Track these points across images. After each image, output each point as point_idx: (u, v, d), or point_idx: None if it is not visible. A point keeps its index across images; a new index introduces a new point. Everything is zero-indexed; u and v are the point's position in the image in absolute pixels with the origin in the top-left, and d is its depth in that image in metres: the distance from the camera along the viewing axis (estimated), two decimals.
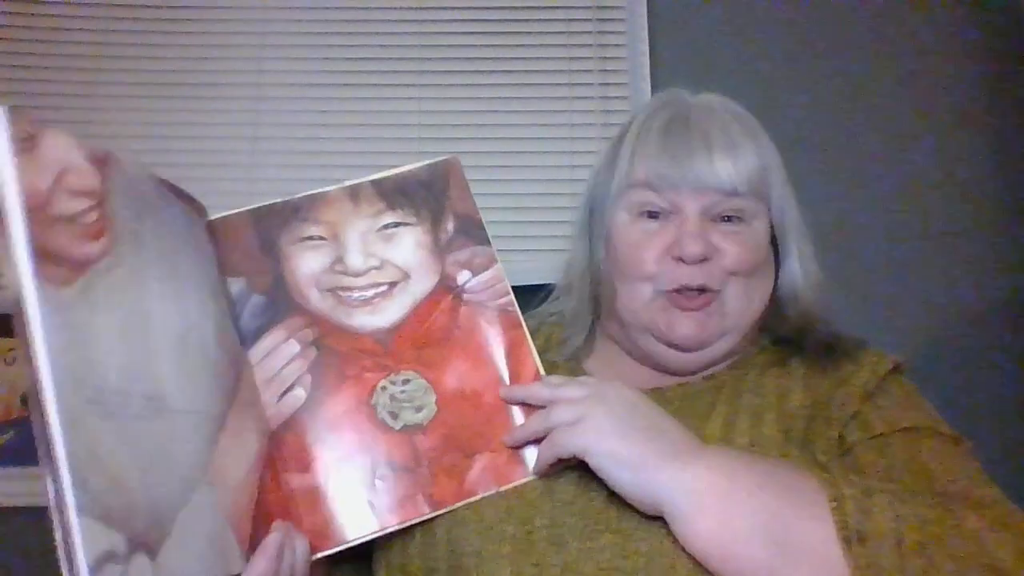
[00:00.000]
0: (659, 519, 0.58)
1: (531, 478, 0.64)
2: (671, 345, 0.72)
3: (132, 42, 1.45)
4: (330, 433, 0.64)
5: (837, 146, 1.43)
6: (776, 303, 0.76)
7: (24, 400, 1.33)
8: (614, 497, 0.60)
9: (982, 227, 1.39)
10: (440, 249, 0.70)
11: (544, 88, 1.45)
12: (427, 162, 0.72)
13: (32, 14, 1.44)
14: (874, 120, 1.43)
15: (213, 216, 0.69)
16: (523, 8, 1.47)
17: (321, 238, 0.69)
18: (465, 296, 0.69)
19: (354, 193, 0.70)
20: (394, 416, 0.65)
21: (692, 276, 0.70)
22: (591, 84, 1.45)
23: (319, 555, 0.61)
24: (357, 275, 0.68)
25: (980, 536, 0.52)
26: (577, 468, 0.62)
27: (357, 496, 0.63)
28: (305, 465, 0.63)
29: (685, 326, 0.71)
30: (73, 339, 0.46)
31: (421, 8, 1.47)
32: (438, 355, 0.67)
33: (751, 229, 0.72)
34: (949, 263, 1.38)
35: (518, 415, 0.66)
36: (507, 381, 0.67)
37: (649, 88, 1.42)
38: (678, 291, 0.71)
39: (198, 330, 0.59)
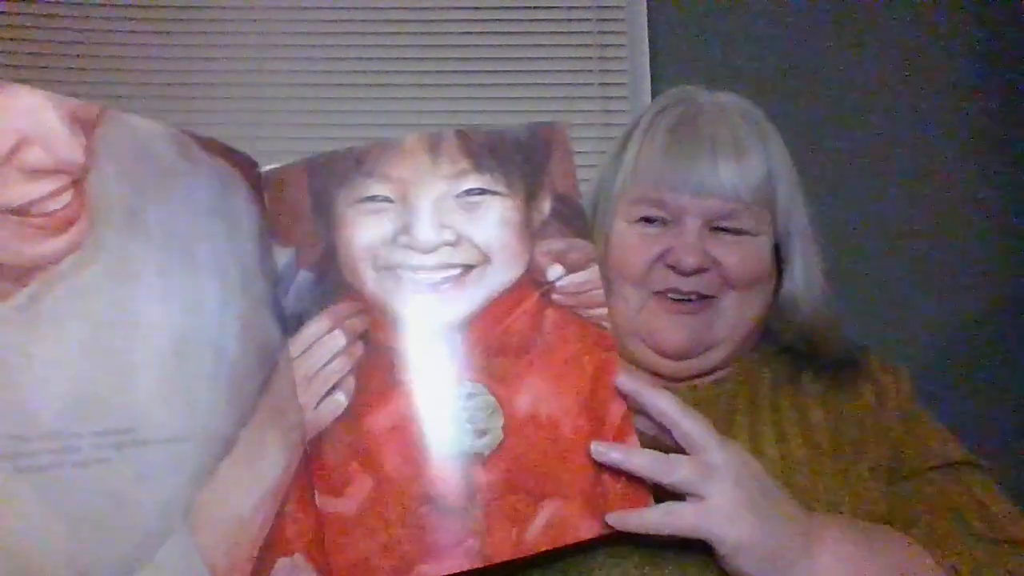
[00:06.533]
0: None
1: (607, 533, 0.53)
2: (660, 352, 0.70)
3: (133, 42, 1.45)
4: (370, 453, 0.53)
5: (838, 146, 1.42)
6: (778, 311, 0.74)
7: None
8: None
9: (988, 229, 1.39)
10: (531, 232, 0.57)
11: (544, 88, 1.45)
12: (528, 123, 0.59)
13: (32, 14, 1.44)
14: (875, 120, 1.43)
15: (266, 167, 0.56)
16: (523, 8, 1.47)
17: (387, 199, 0.55)
18: (554, 297, 0.56)
19: (434, 145, 0.57)
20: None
21: (685, 283, 0.68)
22: (591, 84, 1.45)
23: None
24: (426, 252, 0.55)
25: None
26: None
27: (389, 536, 0.52)
28: (339, 488, 0.52)
29: (674, 333, 0.69)
30: None
31: (421, 8, 1.47)
32: (513, 367, 0.54)
33: (754, 241, 0.70)
34: (955, 265, 1.38)
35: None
36: (588, 415, 0.55)
37: (649, 88, 1.42)
38: (667, 293, 0.69)
39: (209, 330, 0.49)
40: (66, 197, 0.42)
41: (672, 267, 0.68)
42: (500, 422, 0.53)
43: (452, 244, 0.55)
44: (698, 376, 0.72)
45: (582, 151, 1.42)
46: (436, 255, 0.55)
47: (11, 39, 1.43)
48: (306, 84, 1.45)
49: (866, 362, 0.73)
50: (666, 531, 0.52)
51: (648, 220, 0.70)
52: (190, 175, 0.50)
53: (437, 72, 1.46)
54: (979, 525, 0.61)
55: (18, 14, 1.44)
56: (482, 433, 0.53)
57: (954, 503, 0.63)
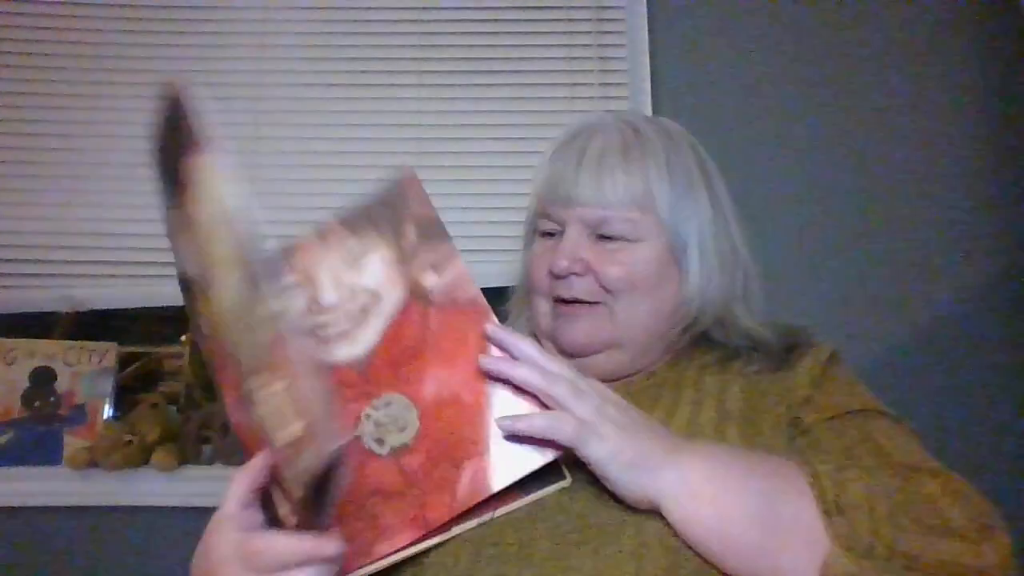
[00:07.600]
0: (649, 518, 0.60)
1: (521, 475, 0.62)
2: (563, 352, 0.76)
3: (132, 42, 1.45)
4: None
5: (835, 143, 1.42)
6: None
7: (25, 398, 1.33)
8: (599, 502, 0.61)
9: (964, 220, 1.39)
10: (405, 258, 0.69)
11: (544, 88, 1.45)
12: (383, 181, 0.72)
13: (32, 14, 1.44)
14: (873, 119, 1.43)
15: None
16: (523, 8, 1.47)
17: (296, 285, 0.70)
18: (434, 299, 0.68)
19: (322, 234, 0.71)
20: (380, 442, 0.64)
21: (566, 288, 0.75)
22: (591, 84, 1.45)
23: None
24: (333, 310, 0.69)
25: (937, 501, 0.58)
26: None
27: (350, 530, 0.60)
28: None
29: (571, 332, 0.76)
30: None
31: (421, 8, 1.47)
32: (415, 369, 0.66)
33: (633, 247, 0.75)
34: (931, 257, 1.38)
35: (499, 407, 0.63)
36: (484, 378, 0.65)
37: (649, 88, 1.42)
38: (558, 300, 0.76)
39: None
40: None
41: (551, 273, 0.75)
42: (415, 413, 0.64)
43: (349, 296, 0.69)
44: (625, 377, 0.77)
45: None
46: (339, 310, 0.68)
47: (11, 39, 1.43)
48: (306, 84, 1.45)
49: (799, 345, 0.76)
50: (549, 435, 0.59)
51: (549, 234, 0.79)
52: None
53: (437, 72, 1.46)
54: (868, 459, 0.64)
55: (17, 14, 1.44)
56: (403, 428, 0.64)
57: (847, 443, 0.66)
